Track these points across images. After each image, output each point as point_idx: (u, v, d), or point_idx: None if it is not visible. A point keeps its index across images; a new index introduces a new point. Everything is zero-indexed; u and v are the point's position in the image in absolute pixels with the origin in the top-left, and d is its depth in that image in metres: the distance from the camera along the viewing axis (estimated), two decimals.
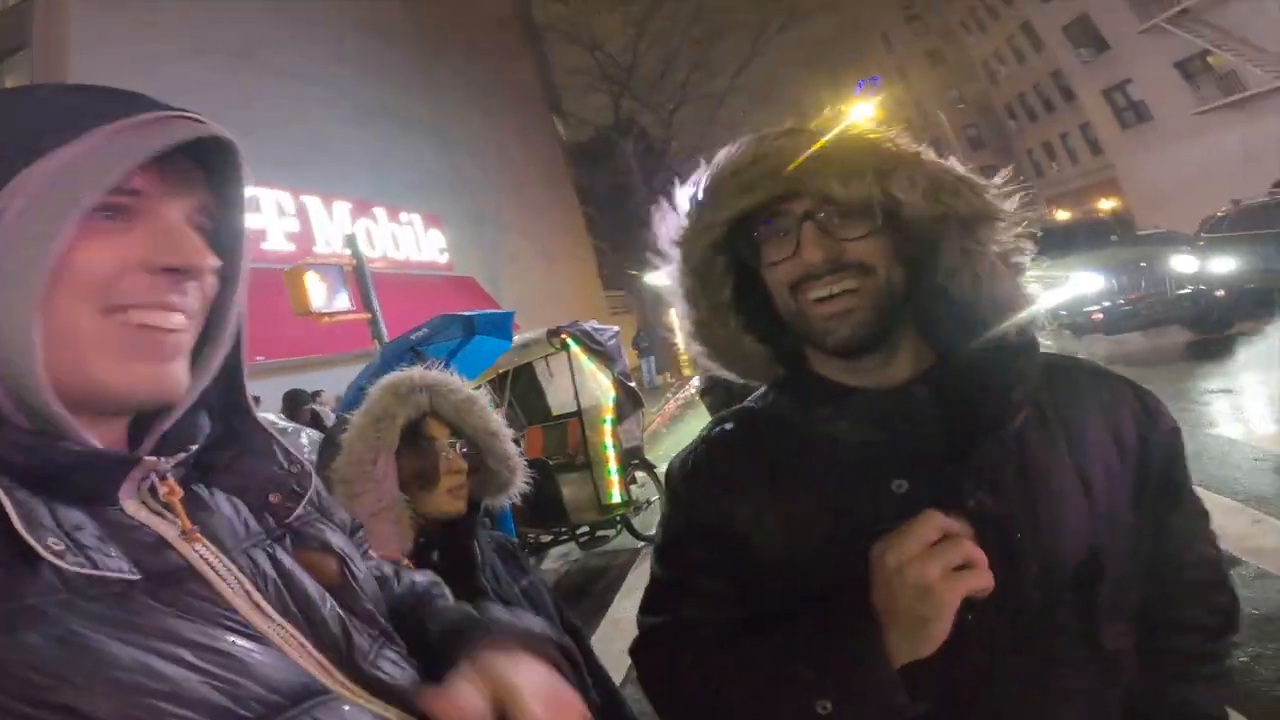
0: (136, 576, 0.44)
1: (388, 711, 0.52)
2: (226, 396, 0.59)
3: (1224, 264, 7.74)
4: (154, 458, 0.51)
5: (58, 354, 0.45)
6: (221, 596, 0.48)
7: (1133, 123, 25.20)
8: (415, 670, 0.58)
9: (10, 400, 0.45)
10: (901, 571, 0.62)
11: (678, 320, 0.86)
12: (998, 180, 0.73)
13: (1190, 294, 7.31)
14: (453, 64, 18.32)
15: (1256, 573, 2.98)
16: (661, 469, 6.91)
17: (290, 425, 6.25)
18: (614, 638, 4.09)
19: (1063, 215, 19.27)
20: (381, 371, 3.80)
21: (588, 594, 5.12)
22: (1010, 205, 0.72)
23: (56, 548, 0.41)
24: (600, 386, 5.71)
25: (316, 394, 7.82)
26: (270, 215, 11.78)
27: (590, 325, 5.79)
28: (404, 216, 14.28)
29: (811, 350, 0.79)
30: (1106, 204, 23.69)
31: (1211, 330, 7.31)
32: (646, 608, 0.82)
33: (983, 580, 0.61)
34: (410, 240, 14.31)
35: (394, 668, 0.56)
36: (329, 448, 1.31)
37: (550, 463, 5.75)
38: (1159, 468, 0.77)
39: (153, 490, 0.51)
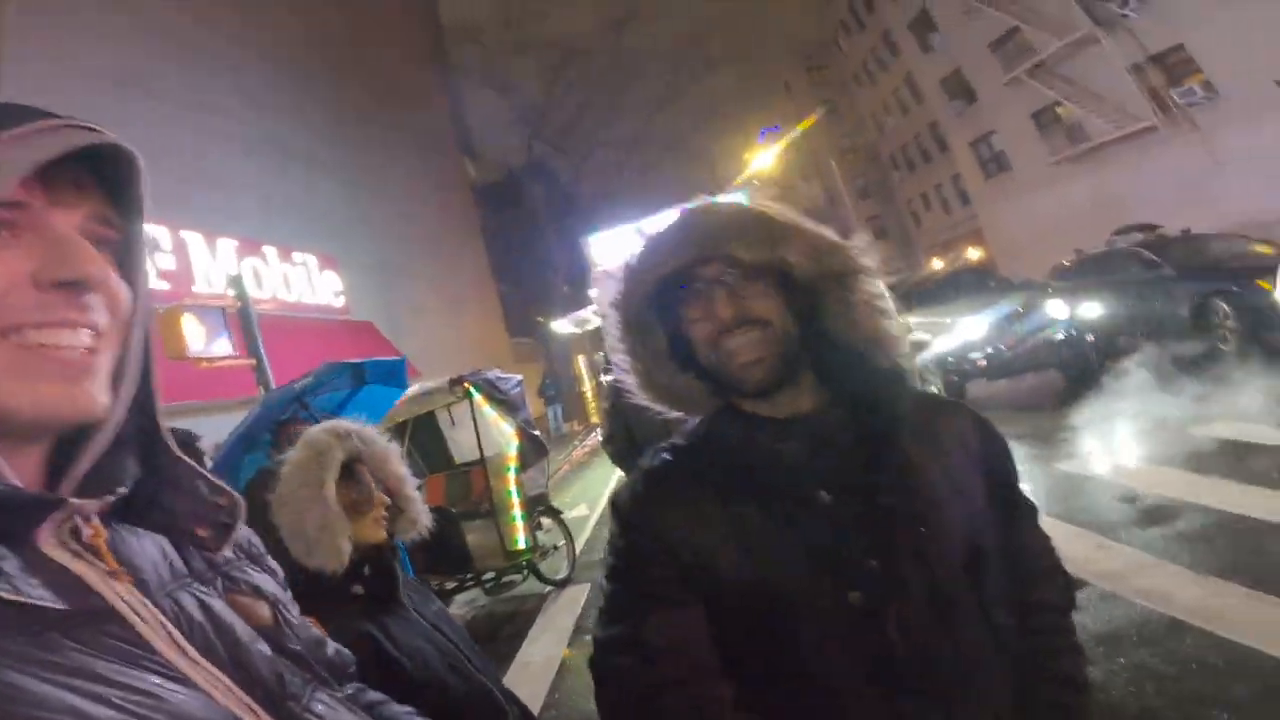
0: (62, 606, 0.42)
1: None
2: (140, 425, 0.55)
3: (1091, 309, 8.42)
4: (79, 500, 0.47)
5: None
6: (141, 638, 0.46)
7: (995, 173, 25.88)
8: (350, 712, 0.58)
9: None
10: None
11: (616, 372, 0.98)
12: (858, 241, 0.90)
13: (1064, 340, 7.79)
14: (360, 101, 17.77)
15: (1101, 594, 3.17)
16: (569, 514, 6.87)
17: None
18: (524, 681, 4.00)
19: (938, 264, 20.30)
20: (263, 419, 3.57)
21: (496, 638, 5.01)
22: (872, 261, 0.88)
23: None
24: (503, 435, 5.70)
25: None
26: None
27: (493, 374, 5.82)
28: (297, 256, 13.44)
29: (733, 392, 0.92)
30: (974, 253, 23.74)
31: (1084, 372, 7.74)
32: (607, 621, 0.88)
33: None
34: (303, 282, 13.44)
35: (327, 710, 0.56)
36: (268, 479, 1.47)
37: (454, 510, 5.63)
38: (1000, 474, 0.95)
39: (75, 532, 0.48)
